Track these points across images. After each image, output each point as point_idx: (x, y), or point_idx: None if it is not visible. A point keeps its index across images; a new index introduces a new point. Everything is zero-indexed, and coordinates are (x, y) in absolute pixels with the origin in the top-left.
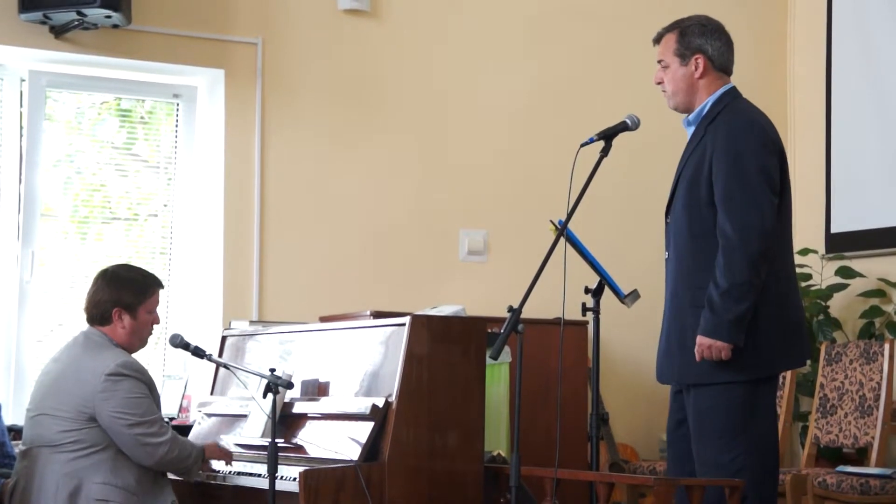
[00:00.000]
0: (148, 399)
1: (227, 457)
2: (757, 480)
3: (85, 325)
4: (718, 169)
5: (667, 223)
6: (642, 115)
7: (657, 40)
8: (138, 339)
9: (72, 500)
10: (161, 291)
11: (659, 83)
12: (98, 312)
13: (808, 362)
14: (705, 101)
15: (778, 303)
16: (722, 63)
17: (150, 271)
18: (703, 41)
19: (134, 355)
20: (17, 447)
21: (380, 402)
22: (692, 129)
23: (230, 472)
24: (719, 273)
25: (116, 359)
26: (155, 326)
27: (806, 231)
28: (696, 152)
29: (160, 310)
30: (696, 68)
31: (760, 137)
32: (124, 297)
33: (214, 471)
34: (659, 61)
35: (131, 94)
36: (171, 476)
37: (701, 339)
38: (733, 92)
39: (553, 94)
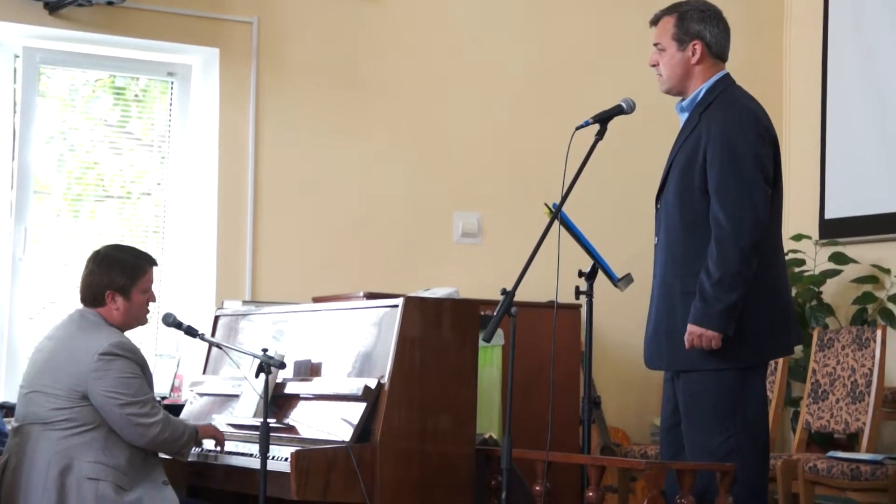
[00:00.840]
0: (140, 379)
1: (221, 438)
2: (747, 464)
3: (79, 304)
4: (713, 157)
5: (657, 209)
6: (638, 98)
7: (654, 22)
8: (134, 318)
9: (62, 478)
10: (154, 269)
11: (654, 66)
12: (91, 295)
13: (801, 348)
14: (699, 88)
15: (768, 291)
16: (719, 50)
17: (143, 250)
18: (702, 27)
19: (127, 334)
20: (10, 424)
21: (372, 384)
22: (685, 115)
23: (221, 452)
24: (711, 262)
25: (110, 338)
26: (151, 304)
27: (800, 217)
28: (689, 139)
29: (155, 287)
30: (694, 54)
31: (756, 127)
32: (116, 279)
33: (206, 450)
34: (655, 44)
35: (125, 71)
36: (162, 455)
37: (691, 328)
38: (727, 79)
39: (549, 76)
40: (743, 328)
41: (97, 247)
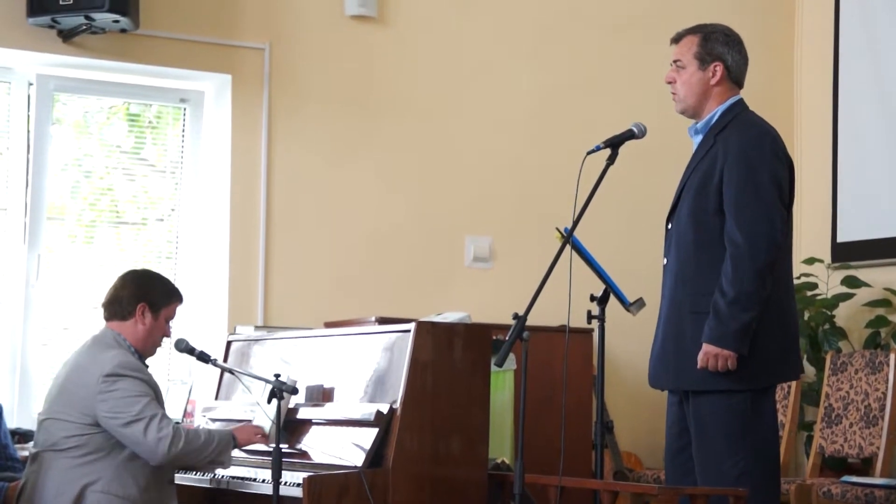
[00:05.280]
0: (146, 397)
1: (262, 437)
2: (758, 487)
3: (94, 330)
4: (730, 178)
5: (667, 229)
6: (648, 123)
7: (676, 40)
8: (152, 342)
9: None
10: (180, 307)
11: (670, 83)
12: (120, 308)
13: (814, 371)
14: (715, 111)
15: (779, 313)
16: (737, 75)
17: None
18: (724, 50)
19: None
20: (25, 451)
21: (384, 409)
22: (699, 137)
23: (234, 478)
24: (726, 282)
25: (114, 359)
26: (165, 339)
27: (812, 240)
28: (704, 160)
29: (172, 324)
30: (713, 75)
31: (773, 148)
32: (152, 294)
33: (220, 476)
34: (675, 61)
35: (138, 98)
36: (192, 474)
37: (706, 347)
38: (742, 103)
39: (559, 101)
40: (754, 349)
41: (111, 272)
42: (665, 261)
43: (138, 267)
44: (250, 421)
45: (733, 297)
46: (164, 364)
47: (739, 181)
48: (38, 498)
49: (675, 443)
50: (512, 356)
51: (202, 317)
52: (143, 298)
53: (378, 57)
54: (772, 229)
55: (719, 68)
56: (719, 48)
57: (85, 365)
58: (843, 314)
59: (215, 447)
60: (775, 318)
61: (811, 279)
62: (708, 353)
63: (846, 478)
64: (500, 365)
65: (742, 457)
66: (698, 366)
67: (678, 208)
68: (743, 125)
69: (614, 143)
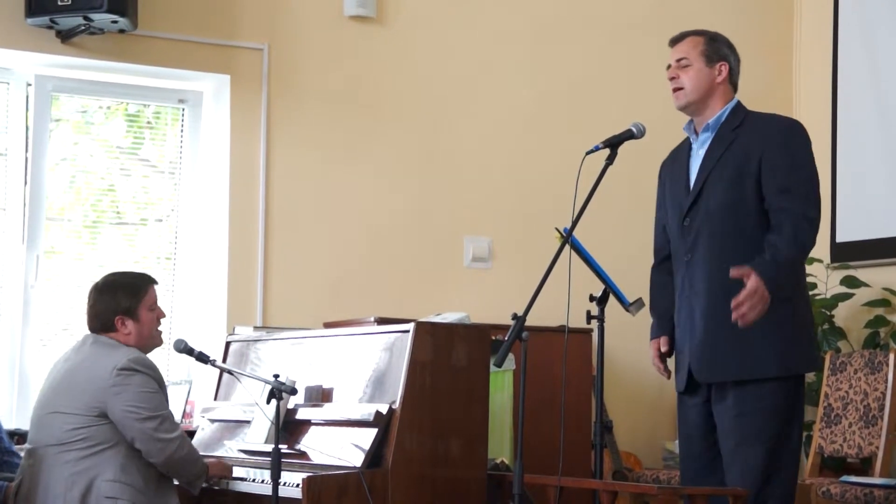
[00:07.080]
0: (159, 394)
1: (229, 472)
2: (789, 486)
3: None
4: (777, 163)
5: (683, 226)
6: (647, 123)
7: (678, 40)
8: (148, 339)
9: (84, 499)
10: (156, 287)
11: (672, 79)
12: (100, 323)
13: (813, 371)
14: (723, 109)
15: (807, 302)
16: (735, 79)
17: (140, 271)
18: (728, 52)
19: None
20: (22, 449)
21: (383, 409)
22: (707, 134)
23: (233, 478)
24: (784, 243)
25: (128, 354)
26: (163, 322)
27: None
28: (728, 154)
29: (166, 310)
30: (720, 74)
31: (808, 139)
32: (121, 301)
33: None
34: (679, 59)
35: (137, 98)
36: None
37: (758, 284)
38: (742, 105)
39: (559, 101)
40: (800, 337)
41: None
42: (688, 256)
43: (107, 272)
44: (249, 422)
45: (794, 253)
46: (164, 364)
47: (788, 168)
48: (44, 493)
49: (701, 444)
50: (511, 356)
51: (201, 317)
52: (117, 311)
53: (377, 57)
54: (818, 215)
55: (724, 68)
56: (724, 49)
57: (92, 360)
58: (842, 314)
59: (199, 469)
60: (806, 308)
61: (810, 279)
62: (756, 290)
63: (845, 478)
64: (499, 365)
65: (781, 454)
66: (740, 297)
67: (699, 202)
68: (770, 117)
69: (613, 143)
